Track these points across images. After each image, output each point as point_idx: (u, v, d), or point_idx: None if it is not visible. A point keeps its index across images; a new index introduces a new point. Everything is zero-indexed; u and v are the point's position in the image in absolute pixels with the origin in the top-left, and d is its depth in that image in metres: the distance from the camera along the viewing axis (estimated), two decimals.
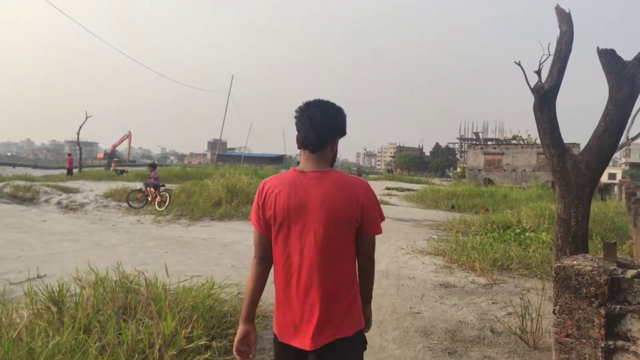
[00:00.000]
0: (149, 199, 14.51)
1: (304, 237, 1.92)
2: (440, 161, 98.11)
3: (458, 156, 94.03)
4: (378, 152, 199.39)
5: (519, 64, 21.39)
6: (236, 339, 2.02)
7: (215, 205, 14.21)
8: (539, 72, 20.04)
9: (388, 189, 31.36)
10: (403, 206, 20.28)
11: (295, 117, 2.02)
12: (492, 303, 5.73)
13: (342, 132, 2.08)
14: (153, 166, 15.77)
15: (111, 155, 63.54)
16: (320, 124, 1.97)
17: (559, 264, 2.17)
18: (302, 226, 1.92)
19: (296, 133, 2.04)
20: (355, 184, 1.99)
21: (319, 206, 1.90)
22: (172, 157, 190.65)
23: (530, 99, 6.10)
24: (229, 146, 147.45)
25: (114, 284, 4.74)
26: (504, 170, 36.82)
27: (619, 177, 57.77)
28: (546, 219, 11.33)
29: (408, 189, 30.65)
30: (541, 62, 21.92)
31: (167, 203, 13.97)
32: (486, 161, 37.71)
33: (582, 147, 5.89)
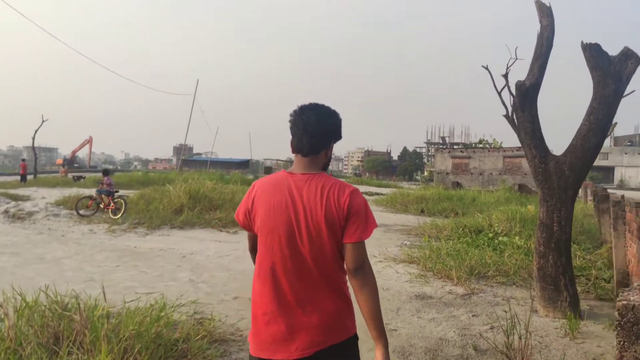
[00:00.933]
0: (102, 206, 13.57)
1: (285, 238, 1.87)
2: (407, 165, 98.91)
3: (425, 160, 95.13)
4: (345, 157, 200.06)
5: (487, 68, 21.17)
6: None
7: (176, 212, 13.43)
8: (506, 76, 19.78)
9: None
10: (373, 210, 19.74)
11: (290, 121, 1.99)
12: (473, 316, 5.30)
13: (337, 137, 2.05)
14: (106, 172, 14.79)
15: (71, 161, 61.19)
16: (315, 129, 1.94)
17: (625, 302, 1.58)
18: (284, 227, 1.87)
19: (290, 137, 2.01)
20: (341, 188, 1.91)
21: (302, 207, 1.87)
22: (135, 163, 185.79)
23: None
24: (195, 151, 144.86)
25: (44, 309, 4.06)
26: (472, 174, 37.10)
27: None
28: (517, 223, 11.12)
29: (377, 193, 30.41)
30: (508, 65, 20.99)
31: (122, 211, 13.10)
32: (454, 165, 37.93)
33: (554, 152, 5.57)
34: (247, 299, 5.82)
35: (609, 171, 64.48)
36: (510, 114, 21.70)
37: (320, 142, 1.97)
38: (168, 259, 8.26)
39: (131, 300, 4.95)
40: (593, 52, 5.07)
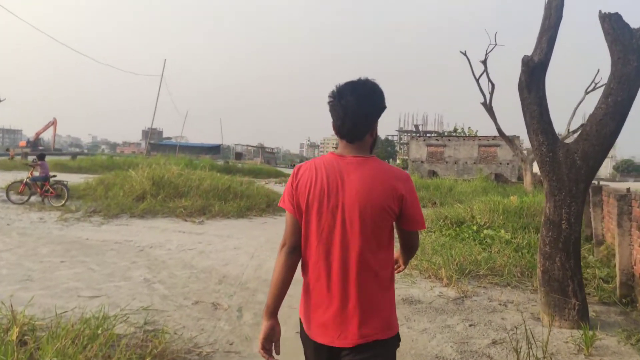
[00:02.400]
0: (39, 192, 12.37)
1: (339, 223, 1.77)
2: (380, 152, 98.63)
3: (397, 148, 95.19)
4: (321, 143, 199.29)
5: (465, 54, 20.32)
6: (261, 336, 1.86)
7: (138, 199, 12.44)
8: (484, 62, 19.39)
9: None
10: None
11: (329, 104, 1.87)
12: (470, 325, 4.62)
13: (381, 113, 1.90)
14: (41, 156, 13.35)
15: (34, 144, 58.60)
16: (356, 114, 1.80)
17: None
18: (337, 211, 1.77)
19: (331, 119, 1.89)
20: (395, 174, 1.83)
21: (355, 191, 1.76)
22: (103, 146, 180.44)
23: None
24: (164, 135, 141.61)
25: None
26: (446, 162, 36.80)
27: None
28: (500, 215, 10.59)
29: None
30: (487, 51, 20.70)
31: (65, 198, 12.00)
32: (429, 153, 37.53)
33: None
34: (209, 304, 5.00)
35: None
36: (488, 101, 21.18)
37: (364, 126, 1.83)
38: (123, 253, 7.34)
39: (64, 312, 4.08)
40: (613, 24, 4.39)
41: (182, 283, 5.82)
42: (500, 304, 5.30)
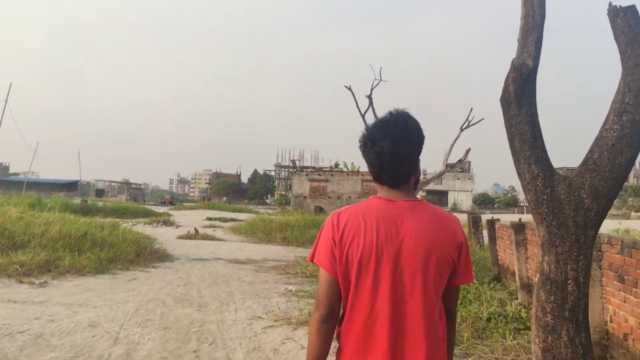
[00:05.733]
0: None
1: (398, 280, 1.55)
2: (259, 188, 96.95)
3: (276, 183, 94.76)
4: (192, 179, 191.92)
5: (350, 88, 19.27)
6: None
7: None
8: (369, 97, 18.34)
9: (210, 219, 27.91)
10: (233, 241, 17.19)
11: (360, 149, 1.69)
12: None
13: (421, 149, 1.68)
14: None
15: None
16: (394, 158, 1.60)
17: None
18: (395, 266, 1.55)
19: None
20: (450, 218, 1.67)
21: (415, 242, 1.55)
22: None
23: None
24: (12, 170, 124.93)
25: None
26: (329, 198, 36.35)
27: None
28: None
29: (233, 219, 27.72)
30: (373, 85, 19.66)
31: None
32: (311, 188, 36.79)
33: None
34: None
35: (442, 195, 70.66)
36: None
37: (406, 169, 1.64)
38: None
39: None
40: (628, 20, 3.38)
41: None
42: None
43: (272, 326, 5.67)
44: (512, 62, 3.60)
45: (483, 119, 24.37)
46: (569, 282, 3.52)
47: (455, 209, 61.17)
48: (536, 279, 3.68)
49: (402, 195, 1.63)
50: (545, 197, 3.58)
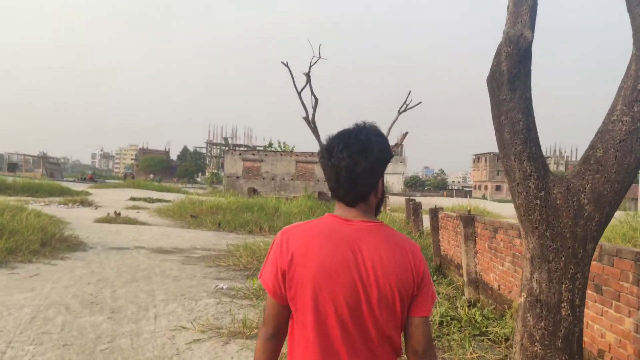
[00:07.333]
0: None
1: (348, 308, 1.39)
2: (188, 166, 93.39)
3: (207, 161, 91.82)
4: (117, 154, 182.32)
5: (287, 65, 18.40)
6: None
7: None
8: (308, 75, 17.27)
9: (134, 199, 25.98)
10: (158, 225, 15.86)
11: (320, 161, 1.56)
12: None
13: (384, 167, 1.53)
14: None
15: None
16: (351, 174, 1.44)
17: None
18: (348, 293, 1.39)
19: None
20: (409, 242, 1.51)
21: (371, 268, 1.40)
22: None
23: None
24: None
25: None
26: (264, 178, 35.12)
27: None
28: None
29: (160, 199, 26.03)
30: (311, 63, 18.56)
31: None
32: (245, 168, 35.33)
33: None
34: None
35: None
36: (311, 116, 19.82)
37: (364, 187, 1.47)
38: None
39: None
40: None
41: None
42: None
43: (198, 340, 4.77)
44: (507, 33, 2.90)
45: (421, 102, 24.39)
46: (562, 305, 2.97)
47: (386, 191, 62.05)
48: (522, 299, 3.09)
49: (360, 215, 1.49)
50: (538, 201, 2.97)
